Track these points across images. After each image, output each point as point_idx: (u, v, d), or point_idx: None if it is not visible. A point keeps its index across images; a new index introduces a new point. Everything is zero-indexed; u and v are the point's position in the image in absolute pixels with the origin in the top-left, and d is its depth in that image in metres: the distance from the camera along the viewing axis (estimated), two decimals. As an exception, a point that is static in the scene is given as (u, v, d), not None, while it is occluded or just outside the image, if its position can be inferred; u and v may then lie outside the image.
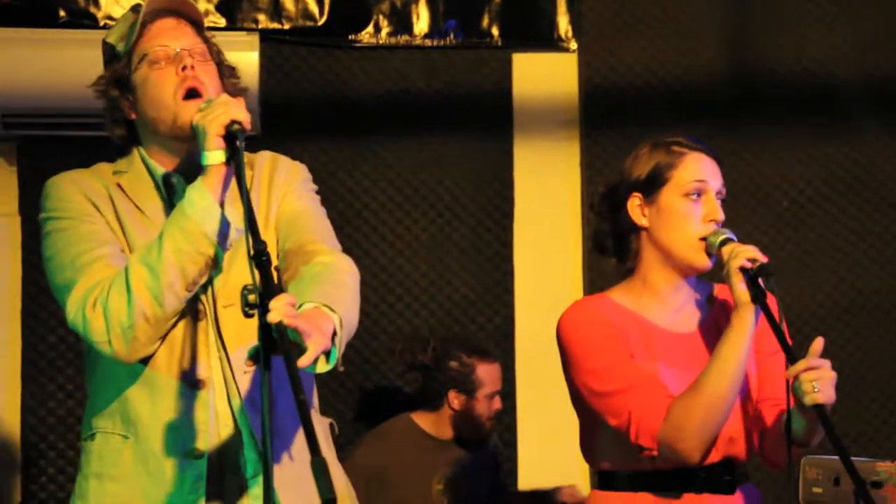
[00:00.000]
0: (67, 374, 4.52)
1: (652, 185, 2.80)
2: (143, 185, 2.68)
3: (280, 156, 2.81)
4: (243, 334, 2.57)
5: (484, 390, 4.35)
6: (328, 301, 2.40)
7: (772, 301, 2.68)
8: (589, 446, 2.87)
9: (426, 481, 4.28)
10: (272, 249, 2.56)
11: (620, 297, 2.85)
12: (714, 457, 2.71)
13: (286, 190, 2.74)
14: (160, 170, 2.67)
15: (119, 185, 2.67)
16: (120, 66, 2.66)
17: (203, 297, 2.60)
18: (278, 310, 2.16)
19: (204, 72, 2.62)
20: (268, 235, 2.64)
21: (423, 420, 4.36)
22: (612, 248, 2.89)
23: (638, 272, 2.84)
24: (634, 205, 2.82)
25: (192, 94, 2.59)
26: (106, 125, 2.72)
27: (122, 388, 2.59)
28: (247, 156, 2.70)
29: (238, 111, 2.48)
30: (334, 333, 2.36)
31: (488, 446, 4.52)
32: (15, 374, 4.52)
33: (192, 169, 2.58)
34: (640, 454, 2.68)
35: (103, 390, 2.64)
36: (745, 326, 2.64)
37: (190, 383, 2.57)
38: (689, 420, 2.63)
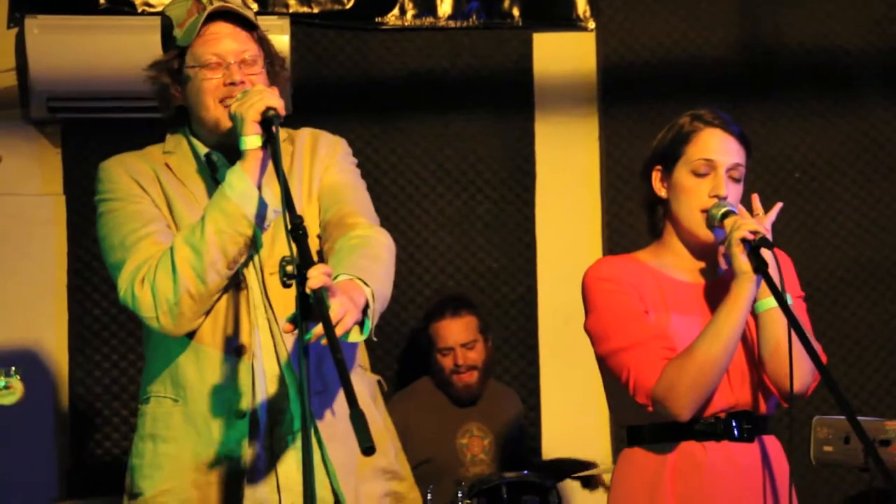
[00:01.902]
0: (112, 344, 4.58)
1: (669, 159, 2.86)
2: (188, 164, 2.81)
3: (321, 131, 2.92)
4: (289, 299, 2.64)
5: (437, 345, 4.44)
6: (362, 274, 2.51)
7: (783, 259, 2.76)
8: (613, 403, 2.93)
9: (450, 437, 4.40)
10: (314, 220, 2.73)
11: (645, 257, 2.91)
12: (732, 407, 2.76)
13: (328, 163, 2.85)
14: (203, 149, 2.80)
15: (167, 165, 2.81)
16: (174, 58, 2.77)
17: (244, 270, 2.72)
18: (317, 277, 2.28)
19: (250, 79, 2.72)
20: (310, 207, 2.77)
21: None
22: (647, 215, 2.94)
23: (663, 239, 2.90)
24: (657, 178, 2.89)
25: None
26: (159, 105, 2.84)
27: (172, 356, 2.74)
28: (287, 132, 2.85)
29: (273, 98, 2.61)
30: (367, 305, 2.46)
31: (512, 401, 4.57)
32: (63, 346, 4.58)
33: (230, 147, 2.70)
34: (640, 409, 2.76)
35: (156, 358, 2.78)
36: (744, 294, 2.69)
37: (233, 350, 2.70)
38: (680, 380, 2.69)
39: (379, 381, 2.91)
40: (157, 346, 2.79)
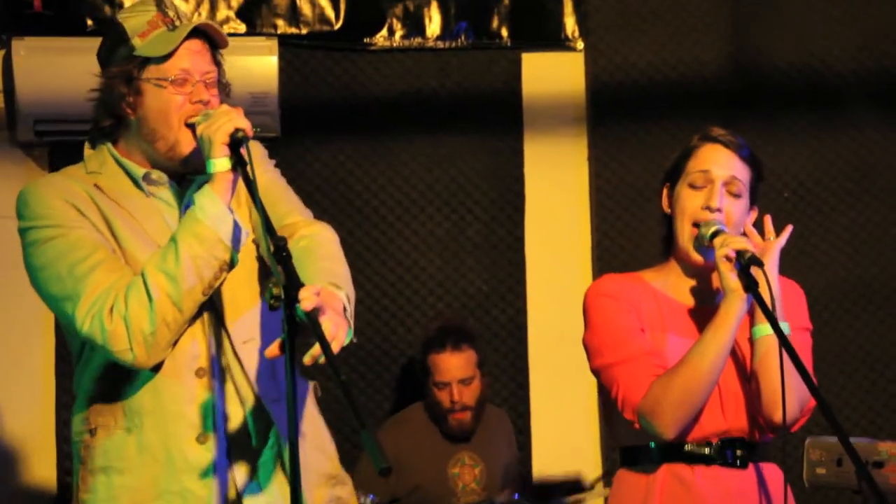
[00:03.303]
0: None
1: (674, 176, 2.86)
2: (121, 184, 2.70)
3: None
4: (240, 305, 2.66)
5: (431, 378, 4.39)
6: (329, 277, 2.48)
7: (794, 290, 2.78)
8: (609, 422, 2.91)
9: (441, 466, 4.36)
10: (247, 225, 2.67)
11: (649, 276, 2.90)
12: (724, 432, 2.75)
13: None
14: (139, 170, 2.69)
15: (97, 186, 2.69)
16: (134, 67, 2.65)
17: None
18: (309, 299, 2.25)
19: (212, 99, 2.66)
20: (240, 212, 2.68)
21: None
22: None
23: (669, 258, 2.89)
24: (665, 195, 2.89)
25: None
26: (96, 110, 2.71)
27: (123, 386, 2.64)
28: None
29: (240, 119, 2.56)
30: (344, 309, 2.43)
31: (504, 428, 4.54)
32: (50, 371, 4.54)
33: (171, 167, 2.65)
34: (629, 426, 2.75)
35: (101, 388, 2.67)
36: (732, 313, 2.68)
37: (192, 373, 2.64)
38: (665, 397, 2.68)
39: (314, 386, 2.85)
40: (103, 377, 2.67)
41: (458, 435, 4.40)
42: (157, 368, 2.62)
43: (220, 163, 2.56)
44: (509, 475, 4.51)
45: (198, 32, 2.68)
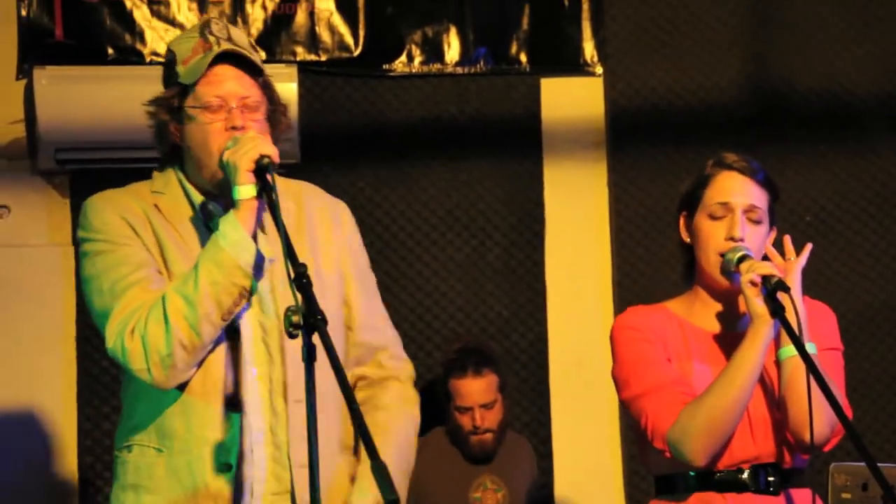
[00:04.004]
0: (121, 396, 4.60)
1: (691, 204, 2.86)
2: (180, 207, 2.73)
3: (323, 193, 2.90)
4: (292, 351, 2.64)
5: (454, 402, 4.38)
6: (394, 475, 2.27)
7: (824, 311, 2.78)
8: (642, 452, 2.91)
9: (462, 490, 4.35)
10: (334, 289, 2.72)
11: (674, 306, 2.90)
12: (755, 458, 2.74)
13: (350, 247, 2.85)
14: (198, 197, 2.73)
15: (157, 207, 2.72)
16: (174, 95, 2.70)
17: (240, 323, 2.66)
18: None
19: (250, 124, 2.67)
20: (330, 273, 2.74)
21: None
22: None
23: (694, 286, 2.89)
24: (682, 224, 2.89)
25: None
26: (156, 141, 2.77)
27: (158, 406, 2.67)
28: (286, 184, 2.78)
29: (266, 146, 2.57)
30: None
31: (526, 452, 4.53)
32: (71, 397, 4.55)
33: (228, 196, 2.64)
34: (660, 455, 2.75)
35: (139, 407, 2.71)
36: (759, 339, 2.67)
37: (224, 404, 2.65)
38: (694, 425, 2.67)
39: None
40: (140, 396, 2.71)
41: (481, 457, 4.39)
42: (189, 394, 2.64)
43: (245, 190, 2.57)
44: (533, 500, 4.49)
45: (230, 57, 2.68)
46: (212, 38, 2.69)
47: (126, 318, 2.60)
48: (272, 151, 2.57)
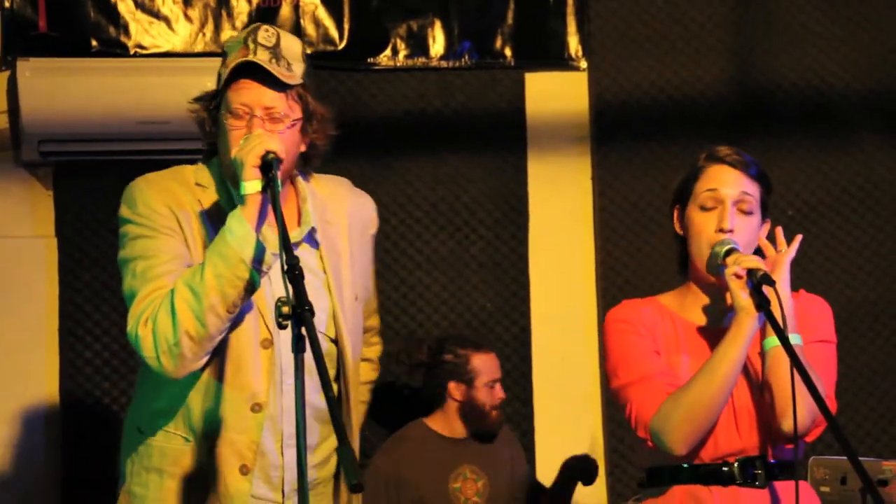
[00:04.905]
0: (104, 388, 4.55)
1: (683, 197, 2.88)
2: (220, 205, 2.80)
3: (361, 193, 3.07)
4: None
5: (482, 379, 4.37)
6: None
7: (818, 304, 2.80)
8: (634, 446, 2.97)
9: (442, 480, 4.34)
10: (348, 286, 2.86)
11: (666, 300, 2.93)
12: (740, 451, 2.76)
13: (370, 247, 3.04)
14: (237, 196, 2.73)
15: (200, 202, 2.79)
16: (212, 97, 2.79)
17: (271, 329, 2.73)
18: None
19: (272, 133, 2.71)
20: (349, 273, 2.89)
21: (435, 422, 4.42)
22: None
23: (687, 280, 2.92)
24: (675, 217, 2.91)
25: None
26: (201, 134, 2.87)
27: (184, 396, 2.74)
28: (315, 177, 2.92)
29: (272, 142, 2.62)
30: None
31: (508, 440, 4.52)
32: (54, 391, 4.54)
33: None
34: (644, 445, 2.77)
35: (164, 393, 2.77)
36: (743, 332, 2.69)
37: (250, 406, 2.72)
38: (675, 414, 2.69)
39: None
40: (164, 382, 2.76)
41: (495, 432, 4.41)
42: (218, 391, 2.71)
43: (251, 185, 2.63)
44: (521, 492, 4.51)
45: (254, 73, 2.71)
46: (251, 46, 2.72)
47: (145, 305, 2.67)
48: (278, 147, 2.62)
